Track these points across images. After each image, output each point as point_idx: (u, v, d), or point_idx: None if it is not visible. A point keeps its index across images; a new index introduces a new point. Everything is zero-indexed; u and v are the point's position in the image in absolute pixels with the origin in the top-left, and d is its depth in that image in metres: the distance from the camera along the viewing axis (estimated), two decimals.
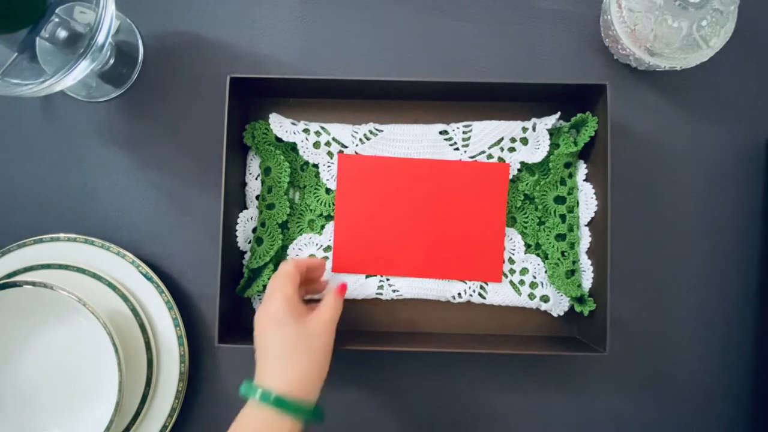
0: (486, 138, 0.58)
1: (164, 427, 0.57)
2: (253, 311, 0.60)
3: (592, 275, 0.57)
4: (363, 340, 0.57)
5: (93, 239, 0.58)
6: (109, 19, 0.49)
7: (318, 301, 0.52)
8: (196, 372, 0.60)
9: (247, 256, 0.59)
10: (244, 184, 0.60)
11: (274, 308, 0.49)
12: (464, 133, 0.58)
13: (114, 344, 0.51)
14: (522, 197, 0.59)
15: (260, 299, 0.59)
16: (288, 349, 0.48)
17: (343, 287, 0.53)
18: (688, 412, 0.60)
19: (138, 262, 0.58)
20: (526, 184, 0.58)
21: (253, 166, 0.60)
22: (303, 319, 0.49)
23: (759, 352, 0.59)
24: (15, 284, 0.51)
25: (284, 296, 0.49)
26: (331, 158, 0.59)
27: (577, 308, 0.57)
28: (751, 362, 0.60)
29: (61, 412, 0.56)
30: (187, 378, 0.58)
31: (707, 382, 0.60)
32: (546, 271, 0.58)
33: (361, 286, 0.59)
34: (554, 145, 0.58)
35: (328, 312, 0.50)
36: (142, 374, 0.56)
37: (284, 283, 0.50)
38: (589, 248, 0.58)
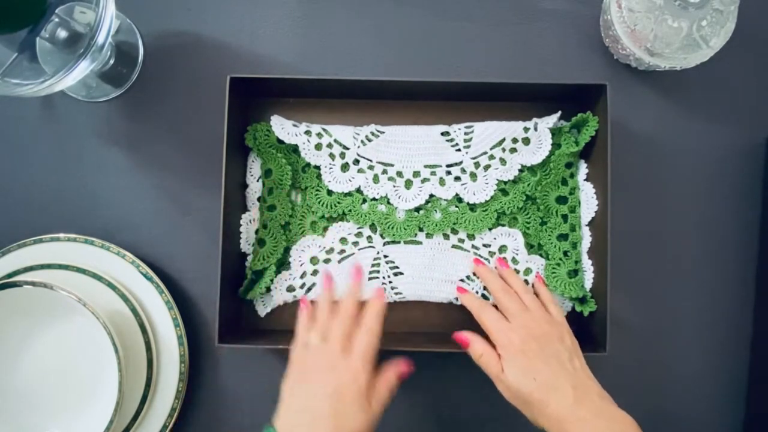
0: (488, 139, 0.58)
1: (164, 427, 0.57)
2: (253, 311, 0.60)
3: (592, 275, 0.57)
4: None
5: (93, 239, 0.58)
6: (109, 19, 0.49)
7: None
8: (196, 372, 0.60)
9: (249, 258, 0.59)
10: (245, 185, 0.60)
11: (359, 384, 0.46)
12: (466, 134, 0.58)
13: (114, 344, 0.51)
14: (524, 198, 0.58)
15: (263, 301, 0.59)
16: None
17: (407, 368, 0.51)
18: (688, 412, 0.60)
19: (138, 262, 0.58)
20: (528, 184, 0.58)
21: (255, 167, 0.60)
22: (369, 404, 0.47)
23: (758, 351, 0.59)
24: (15, 284, 0.51)
25: (367, 376, 0.47)
26: (333, 160, 0.59)
27: (578, 308, 0.57)
28: (751, 362, 0.60)
29: (61, 412, 0.56)
30: (187, 378, 0.58)
31: (707, 382, 0.60)
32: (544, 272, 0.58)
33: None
34: (555, 145, 0.58)
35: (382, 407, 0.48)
36: (142, 374, 0.56)
37: (369, 361, 0.48)
38: (589, 248, 0.58)
